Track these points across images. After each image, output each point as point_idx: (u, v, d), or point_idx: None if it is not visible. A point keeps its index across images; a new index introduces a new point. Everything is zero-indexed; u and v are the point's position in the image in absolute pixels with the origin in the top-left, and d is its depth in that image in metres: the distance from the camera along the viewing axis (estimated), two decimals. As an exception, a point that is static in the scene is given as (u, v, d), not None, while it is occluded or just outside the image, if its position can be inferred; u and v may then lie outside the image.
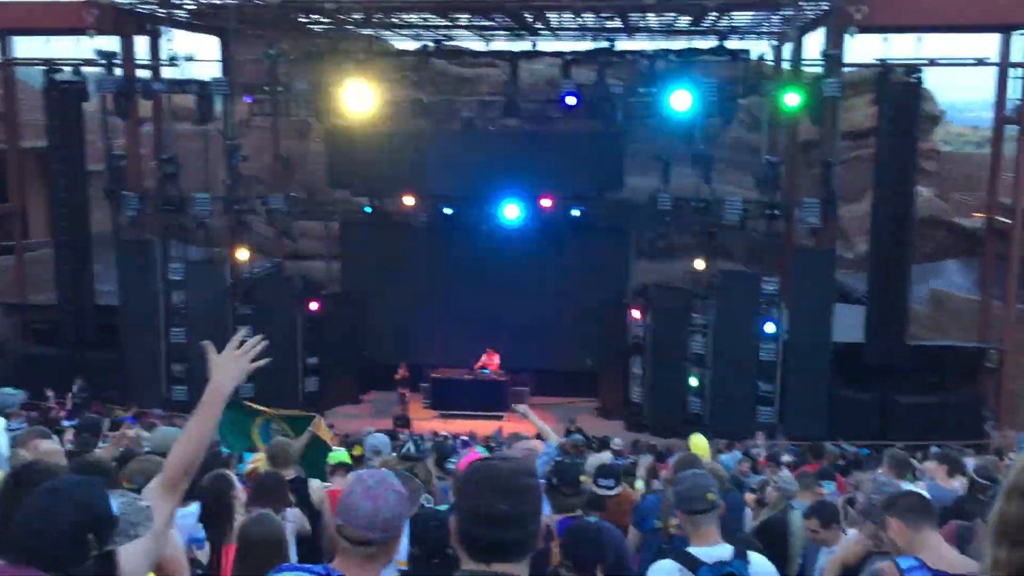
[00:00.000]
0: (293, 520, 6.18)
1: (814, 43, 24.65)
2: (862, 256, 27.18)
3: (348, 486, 2.90)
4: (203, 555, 5.10)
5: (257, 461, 8.62)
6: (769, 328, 22.51)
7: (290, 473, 7.23)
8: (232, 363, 3.47)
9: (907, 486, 6.84)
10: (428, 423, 24.13)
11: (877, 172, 22.37)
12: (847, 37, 21.43)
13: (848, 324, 22.97)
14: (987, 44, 24.31)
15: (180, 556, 4.54)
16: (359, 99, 23.62)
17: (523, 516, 2.42)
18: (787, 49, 27.25)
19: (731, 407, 22.83)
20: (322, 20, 27.50)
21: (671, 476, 5.94)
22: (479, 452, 6.85)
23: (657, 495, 7.03)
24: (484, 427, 22.57)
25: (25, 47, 26.11)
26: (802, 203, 22.39)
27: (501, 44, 28.69)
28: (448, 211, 26.14)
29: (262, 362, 3.47)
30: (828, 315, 22.44)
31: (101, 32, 23.15)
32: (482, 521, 2.39)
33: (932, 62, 22.86)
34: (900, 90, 21.56)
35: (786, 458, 15.90)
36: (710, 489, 4.39)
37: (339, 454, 9.25)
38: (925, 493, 4.72)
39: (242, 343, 3.47)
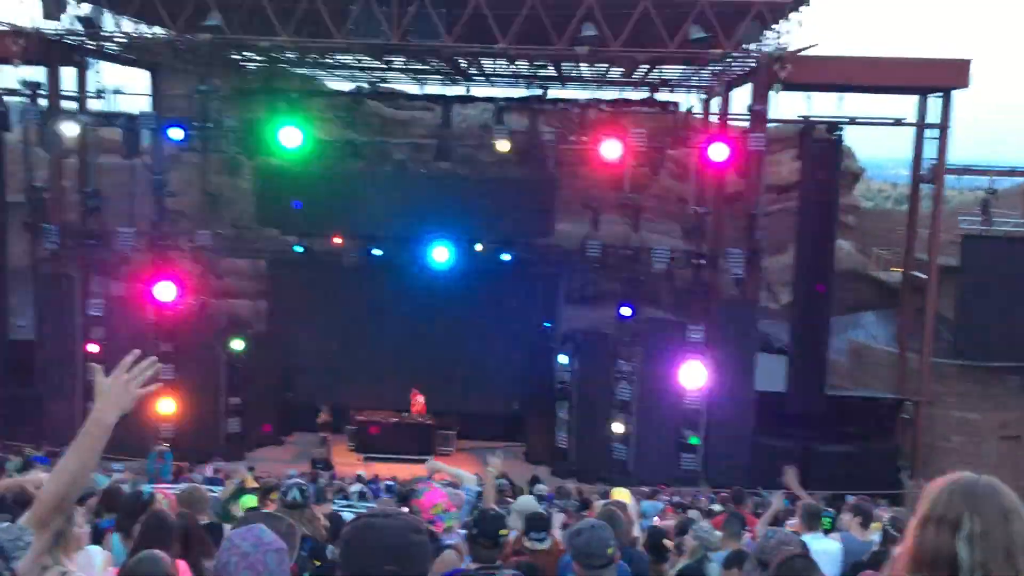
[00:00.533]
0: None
1: (741, 98, 25.37)
2: (785, 307, 27.77)
3: (223, 554, 2.67)
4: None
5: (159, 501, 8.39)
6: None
7: (203, 519, 7.07)
8: (119, 390, 3.20)
9: (818, 538, 6.96)
10: (352, 467, 23.80)
11: (799, 225, 22.95)
12: (772, 93, 22.06)
13: (771, 373, 23.38)
14: (905, 104, 25.29)
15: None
16: (291, 138, 23.52)
17: None
18: (715, 103, 27.92)
19: (656, 454, 23.00)
20: (255, 58, 27.42)
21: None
22: (440, 490, 6.78)
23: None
24: (409, 471, 22.33)
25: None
26: (727, 253, 22.83)
27: (435, 88, 28.90)
28: (378, 252, 26.11)
29: (152, 387, 3.23)
30: (751, 364, 22.83)
31: (27, 62, 22.72)
32: None
33: (853, 120, 23.66)
34: (822, 146, 22.25)
35: (716, 507, 16.03)
36: (609, 544, 4.42)
37: (249, 499, 9.07)
38: (817, 553, 4.79)
39: (133, 366, 3.17)
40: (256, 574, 2.60)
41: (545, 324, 26.31)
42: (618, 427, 23.42)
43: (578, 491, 19.84)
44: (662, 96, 27.02)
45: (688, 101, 27.94)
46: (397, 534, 2.32)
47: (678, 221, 26.79)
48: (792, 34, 22.08)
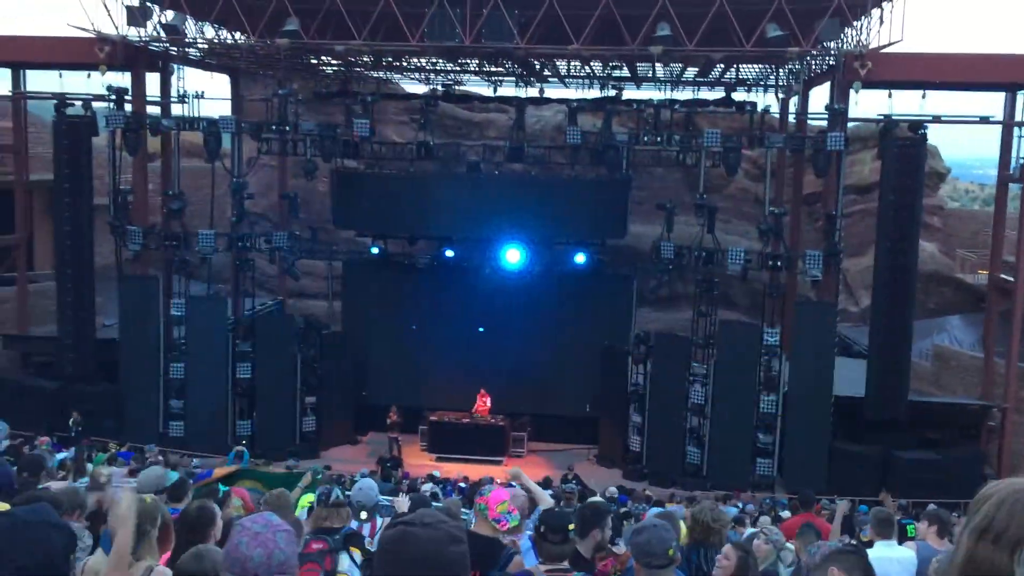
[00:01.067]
0: None
1: (820, 96, 24.94)
2: (865, 310, 27.19)
3: (233, 536, 2.77)
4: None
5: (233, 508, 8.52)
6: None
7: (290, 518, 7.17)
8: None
9: (890, 546, 6.81)
10: (424, 467, 24.00)
11: (880, 226, 22.44)
12: (852, 92, 21.62)
13: (849, 378, 22.91)
14: (993, 101, 24.52)
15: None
16: (368, 141, 23.93)
17: None
18: (793, 101, 27.50)
19: (729, 458, 22.74)
20: (332, 62, 27.87)
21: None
22: (505, 490, 6.78)
23: None
24: (481, 471, 22.44)
25: (37, 81, 26.44)
26: (805, 255, 22.44)
27: (509, 90, 29.03)
28: (450, 253, 26.34)
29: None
30: (829, 368, 22.40)
31: (112, 68, 23.44)
32: None
33: (937, 119, 23.02)
34: (904, 146, 21.70)
35: (785, 513, 15.80)
36: (670, 544, 4.39)
37: (308, 496, 9.17)
38: (889, 560, 4.66)
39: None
40: (267, 551, 2.68)
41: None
42: (692, 431, 23.18)
43: (647, 495, 19.75)
44: (738, 96, 26.70)
45: (765, 100, 27.61)
46: (434, 544, 2.25)
47: (754, 222, 26.42)
48: (873, 30, 21.61)
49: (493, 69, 27.62)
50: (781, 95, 27.69)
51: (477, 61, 26.57)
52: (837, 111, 21.85)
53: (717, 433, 22.99)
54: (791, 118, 27.52)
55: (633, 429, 24.47)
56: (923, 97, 23.03)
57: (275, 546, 2.70)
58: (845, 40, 21.99)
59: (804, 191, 27.44)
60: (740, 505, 16.94)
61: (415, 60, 27.24)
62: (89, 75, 23.87)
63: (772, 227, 22.59)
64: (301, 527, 5.33)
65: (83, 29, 22.38)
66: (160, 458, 17.66)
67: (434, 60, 26.88)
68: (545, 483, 18.47)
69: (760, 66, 25.75)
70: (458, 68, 28.12)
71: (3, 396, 24.43)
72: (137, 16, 22.52)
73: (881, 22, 21.11)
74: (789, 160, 26.93)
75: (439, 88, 29.33)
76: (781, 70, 25.57)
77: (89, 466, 13.80)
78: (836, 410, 22.56)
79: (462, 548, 2.30)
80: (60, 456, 15.41)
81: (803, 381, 22.55)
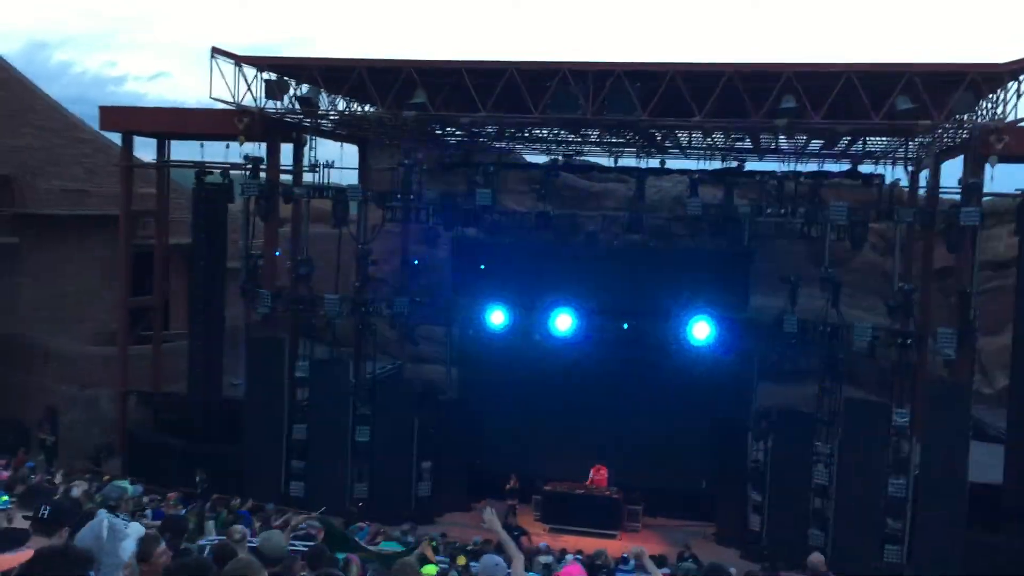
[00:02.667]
0: None
1: (951, 169, 24.21)
2: (1001, 391, 25.95)
3: None
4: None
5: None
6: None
7: None
8: None
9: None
10: (538, 536, 23.75)
11: (1018, 304, 21.48)
12: (987, 166, 20.91)
13: (985, 463, 21.80)
14: None
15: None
16: (488, 210, 24.34)
17: None
18: (923, 175, 26.76)
19: (855, 543, 21.79)
20: (456, 132, 28.55)
21: None
22: (579, 568, 6.65)
23: None
24: (595, 544, 22.07)
25: (180, 150, 27.94)
26: (937, 333, 21.60)
27: (629, 160, 29.14)
28: (568, 322, 26.31)
29: None
30: (964, 451, 21.33)
31: (250, 139, 24.55)
32: None
33: (1078, 193, 22.02)
34: (1044, 221, 20.81)
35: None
36: None
37: (429, 568, 9.16)
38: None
39: None
40: None
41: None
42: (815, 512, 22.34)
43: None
44: (865, 168, 26.13)
45: (893, 173, 26.93)
46: None
47: (880, 297, 25.65)
48: (1009, 103, 20.92)
49: (614, 140, 27.81)
50: (910, 168, 27.01)
51: (598, 132, 26.80)
52: (972, 185, 21.14)
53: (842, 516, 22.11)
54: (921, 191, 26.77)
55: (752, 507, 23.76)
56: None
57: None
58: (979, 113, 21.35)
59: (935, 266, 26.53)
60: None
61: (537, 131, 27.65)
62: (228, 145, 25.06)
63: (901, 303, 21.86)
64: None
65: (224, 102, 23.54)
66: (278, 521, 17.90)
67: (556, 131, 27.23)
68: (661, 561, 18.04)
69: (888, 139, 25.19)
70: (579, 139, 28.42)
71: (136, 452, 25.40)
72: (275, 89, 23.58)
73: (1018, 96, 20.42)
74: (918, 234, 26.14)
75: (559, 158, 29.67)
76: (911, 143, 24.97)
77: (209, 523, 14.14)
78: (971, 497, 21.42)
79: None
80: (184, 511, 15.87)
81: (935, 465, 21.52)
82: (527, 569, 12.04)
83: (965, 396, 22.09)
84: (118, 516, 4.67)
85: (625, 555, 19.54)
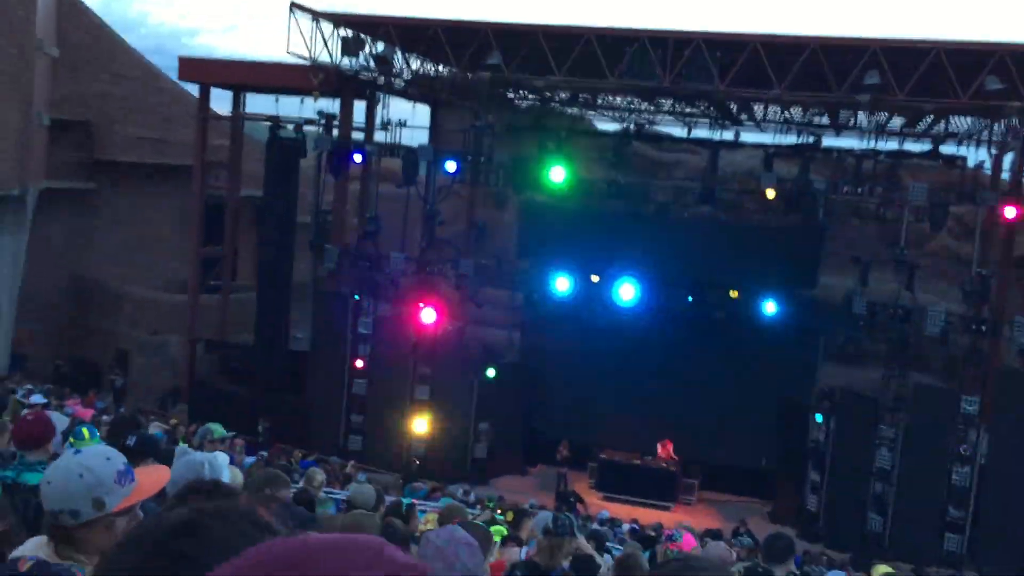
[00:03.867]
0: None
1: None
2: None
3: (420, 550, 2.84)
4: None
5: (429, 520, 8.67)
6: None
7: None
8: None
9: None
10: (592, 505, 23.78)
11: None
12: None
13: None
14: None
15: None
16: (557, 174, 24.16)
17: None
18: (1008, 158, 25.95)
19: (915, 530, 21.47)
20: (529, 96, 28.39)
21: None
22: (694, 538, 6.63)
23: None
24: (650, 515, 22.07)
25: (254, 103, 28.24)
26: (1013, 321, 21.03)
27: (702, 132, 28.72)
28: (633, 292, 26.15)
29: None
30: (1033, 444, 20.85)
31: (324, 94, 24.67)
32: None
33: None
34: None
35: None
36: None
37: (499, 529, 9.15)
38: None
39: None
40: (448, 565, 2.69)
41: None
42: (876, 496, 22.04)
43: (827, 558, 18.87)
44: (947, 149, 25.43)
45: (976, 155, 26.16)
46: (715, 567, 2.26)
47: (954, 283, 25.04)
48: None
49: (688, 110, 27.42)
50: (995, 150, 26.19)
51: (672, 101, 26.44)
52: (1058, 170, 20.46)
53: (903, 502, 21.77)
54: (1004, 175, 25.98)
55: (810, 488, 23.51)
56: None
57: (456, 559, 2.71)
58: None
59: (1015, 253, 25.77)
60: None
61: (610, 98, 27.37)
62: (303, 100, 25.23)
63: (978, 289, 21.32)
64: (490, 540, 5.16)
65: (300, 57, 23.67)
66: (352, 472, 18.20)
67: (630, 99, 26.92)
68: (715, 535, 17.94)
69: (973, 119, 24.46)
70: (653, 107, 28.06)
71: (203, 399, 25.94)
72: (351, 46, 23.65)
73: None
74: (999, 219, 25.38)
75: (632, 126, 29.33)
76: (996, 124, 24.21)
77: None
78: (1038, 490, 20.93)
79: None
80: (249, 460, 16.17)
81: (1003, 455, 21.07)
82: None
83: (1039, 387, 21.55)
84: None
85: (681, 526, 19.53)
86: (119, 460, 2.65)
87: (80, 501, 2.53)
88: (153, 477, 2.90)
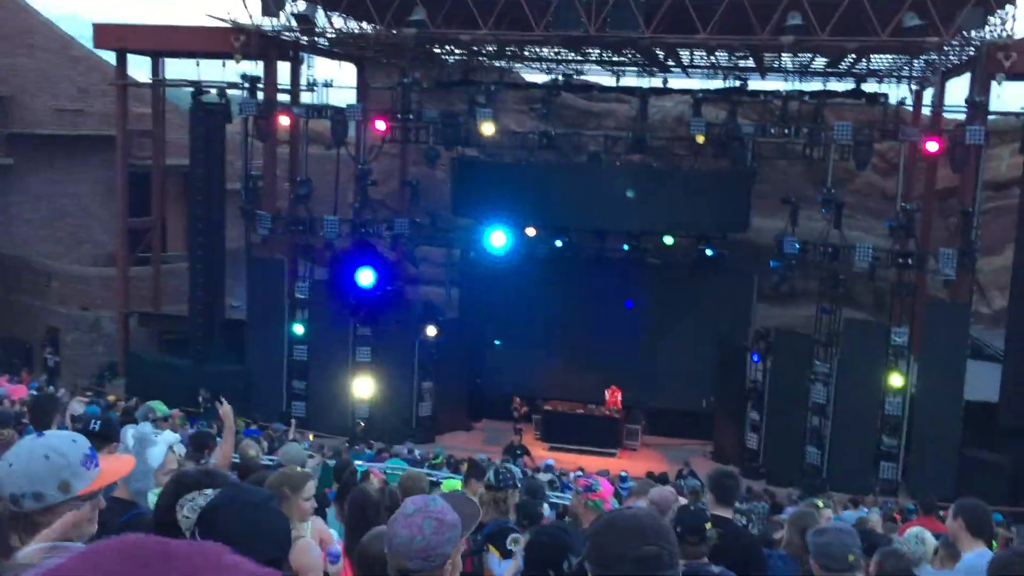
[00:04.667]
0: None
1: (957, 89, 23.93)
2: (999, 312, 26.07)
3: (395, 513, 2.85)
4: (336, 571, 5.09)
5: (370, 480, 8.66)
6: (896, 381, 21.79)
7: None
8: None
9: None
10: (539, 456, 24.00)
11: (1020, 224, 21.43)
12: (994, 84, 20.65)
13: (981, 382, 22.00)
14: None
15: (318, 568, 4.64)
16: (487, 128, 24.04)
17: (672, 555, 2.37)
18: (928, 94, 26.46)
19: (851, 461, 22.11)
20: (456, 51, 28.08)
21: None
22: (609, 484, 6.64)
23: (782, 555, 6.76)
24: (595, 463, 22.36)
25: (175, 69, 27.49)
26: (938, 253, 21.59)
27: (631, 80, 28.73)
28: (559, 243, 26.25)
29: None
30: (961, 371, 21.54)
31: (246, 57, 24.10)
32: (632, 562, 2.32)
33: (1085, 112, 21.85)
34: (1049, 140, 20.66)
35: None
36: (852, 550, 4.24)
37: (451, 482, 9.20)
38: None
39: None
40: (410, 534, 2.67)
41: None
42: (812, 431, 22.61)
43: (768, 493, 19.34)
44: (869, 87, 25.82)
45: (898, 92, 26.61)
46: (652, 519, 2.41)
47: (880, 219, 25.57)
48: (1019, 20, 20.58)
49: (616, 59, 27.38)
50: (915, 87, 26.68)
51: (600, 51, 26.36)
52: (978, 104, 20.90)
53: (839, 434, 22.38)
54: (925, 110, 26.50)
55: (750, 427, 24.03)
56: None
57: (418, 532, 2.67)
58: (988, 30, 21.00)
59: (937, 187, 26.39)
60: (866, 511, 16.40)
61: (538, 49, 27.19)
62: (224, 64, 24.62)
63: (903, 223, 21.80)
64: (475, 518, 5.15)
65: (220, 19, 23.09)
66: (295, 436, 18.12)
67: (557, 50, 26.77)
68: (662, 479, 18.26)
69: (893, 56, 24.82)
70: (580, 58, 27.97)
71: (140, 373, 25.51)
72: (271, 7, 23.11)
73: (1029, 11, 20.09)
74: (920, 154, 25.93)
75: (560, 78, 29.23)
76: (916, 61, 24.62)
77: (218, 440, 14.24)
78: (967, 416, 21.69)
79: (668, 523, 2.42)
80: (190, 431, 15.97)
81: (932, 384, 21.76)
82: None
83: (963, 316, 22.24)
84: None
85: (623, 473, 19.83)
86: (85, 444, 2.56)
87: (45, 483, 2.43)
88: (117, 464, 2.83)
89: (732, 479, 6.59)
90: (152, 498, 3.87)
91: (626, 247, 25.78)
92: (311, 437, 20.87)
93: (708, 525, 6.29)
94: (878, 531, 10.75)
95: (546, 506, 8.78)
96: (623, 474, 19.69)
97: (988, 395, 21.92)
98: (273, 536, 2.44)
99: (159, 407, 9.06)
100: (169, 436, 4.46)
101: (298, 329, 24.67)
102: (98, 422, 4.89)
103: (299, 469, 5.33)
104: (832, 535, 4.23)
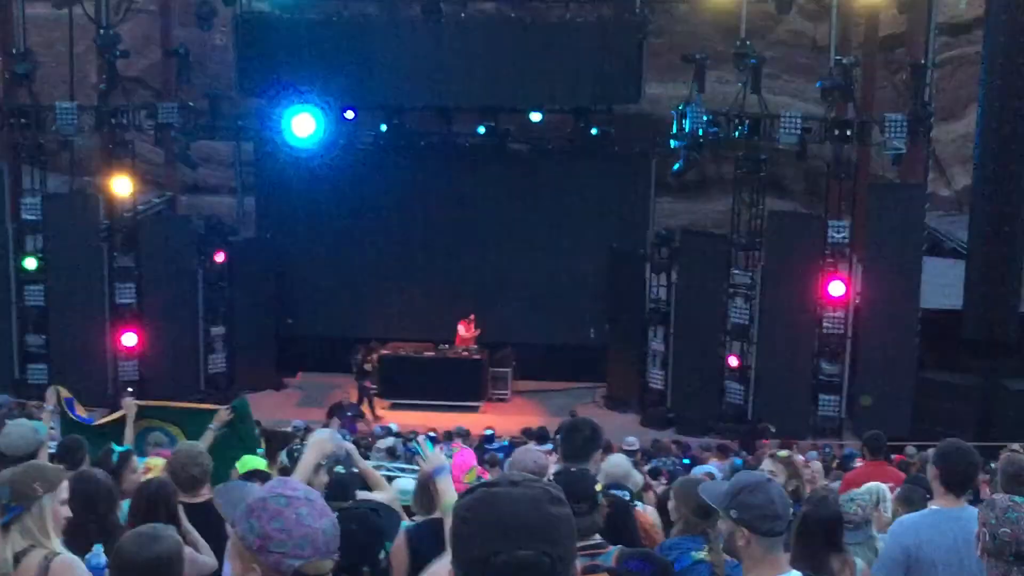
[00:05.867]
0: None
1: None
2: (962, 193, 27.29)
3: (284, 511, 2.85)
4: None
5: (152, 468, 8.52)
6: (837, 289, 22.62)
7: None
8: None
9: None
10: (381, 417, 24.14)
11: (986, 79, 22.33)
12: None
13: (942, 284, 23.06)
14: None
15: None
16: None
17: (562, 560, 2.28)
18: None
19: (783, 396, 22.96)
20: None
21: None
22: (472, 454, 6.71)
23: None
24: (452, 421, 22.55)
25: None
26: (883, 120, 22.33)
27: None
28: (386, 128, 26.08)
29: None
30: (916, 272, 22.52)
31: None
32: (498, 570, 2.25)
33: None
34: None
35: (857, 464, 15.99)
36: (790, 502, 4.42)
37: (252, 460, 9.09)
38: None
39: None
40: (334, 521, 2.89)
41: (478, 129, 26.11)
42: (733, 360, 23.35)
43: (680, 446, 19.95)
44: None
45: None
46: (532, 506, 2.31)
47: (812, 77, 26.24)
48: None
49: None
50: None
51: None
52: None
53: (766, 362, 23.17)
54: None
55: (653, 360, 24.64)
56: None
57: (328, 516, 2.87)
58: None
59: (881, 34, 27.23)
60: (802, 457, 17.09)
61: None
62: None
63: (839, 83, 22.42)
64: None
65: None
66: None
67: None
68: (541, 435, 18.58)
69: None
70: None
71: None
72: None
73: None
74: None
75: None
76: None
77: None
78: (924, 328, 22.72)
79: (565, 510, 2.35)
80: None
81: (880, 291, 22.69)
82: (367, 458, 12.17)
83: (918, 201, 23.16)
84: None
85: (489, 431, 20.09)
86: None
87: None
88: None
89: (581, 431, 6.74)
90: None
91: (480, 129, 25.72)
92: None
93: (599, 487, 6.41)
94: (820, 482, 11.23)
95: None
96: (488, 432, 19.97)
97: (952, 302, 22.99)
98: None
99: None
100: None
101: (29, 263, 23.91)
102: None
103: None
104: (765, 490, 4.33)
